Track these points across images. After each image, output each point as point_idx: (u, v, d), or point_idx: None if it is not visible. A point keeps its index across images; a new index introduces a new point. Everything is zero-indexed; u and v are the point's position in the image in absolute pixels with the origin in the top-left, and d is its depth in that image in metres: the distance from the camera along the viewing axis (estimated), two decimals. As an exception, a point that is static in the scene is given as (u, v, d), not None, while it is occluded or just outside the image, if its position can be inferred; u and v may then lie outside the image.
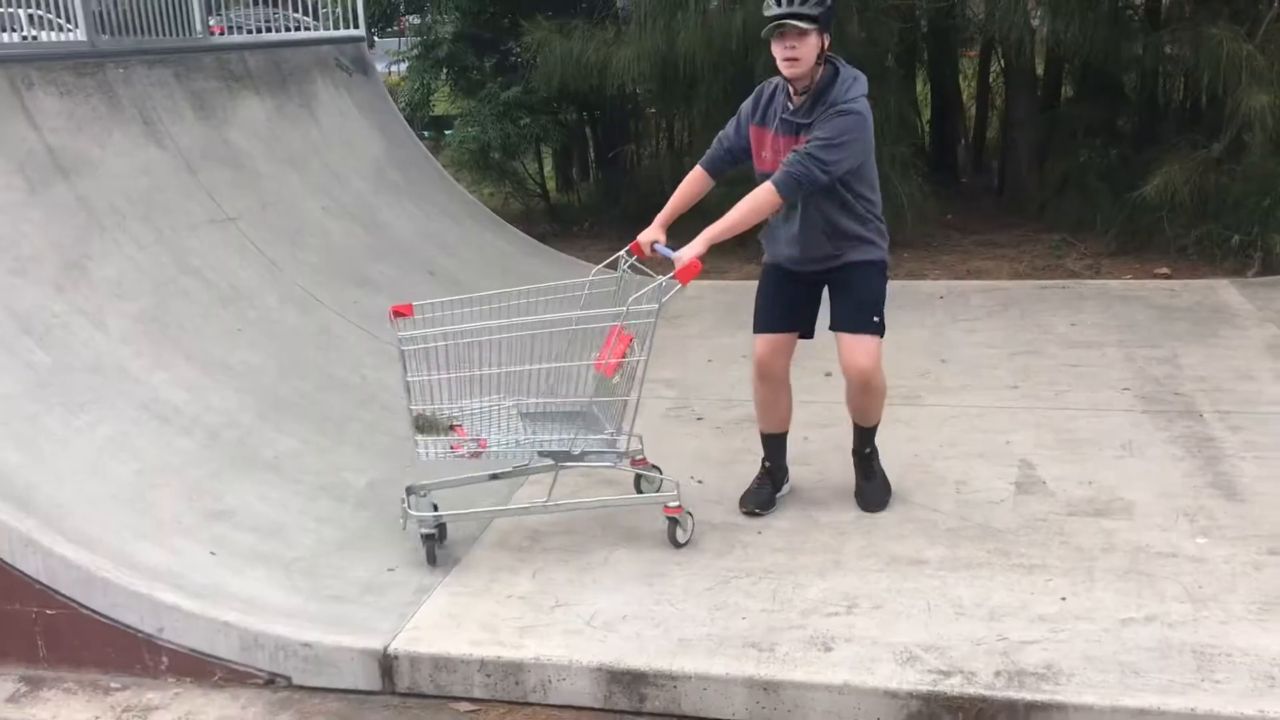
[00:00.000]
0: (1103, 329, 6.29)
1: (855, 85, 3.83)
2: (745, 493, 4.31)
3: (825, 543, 3.94)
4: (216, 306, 5.17)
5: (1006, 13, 7.72)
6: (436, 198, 7.71)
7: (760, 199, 3.84)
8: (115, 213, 5.11)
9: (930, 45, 10.04)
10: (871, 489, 4.28)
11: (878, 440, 4.32)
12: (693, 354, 6.24)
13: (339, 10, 7.92)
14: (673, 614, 3.47)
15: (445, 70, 9.94)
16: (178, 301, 5.01)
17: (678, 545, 3.94)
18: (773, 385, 4.24)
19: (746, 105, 4.08)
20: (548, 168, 11.36)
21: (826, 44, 3.81)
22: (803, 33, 3.71)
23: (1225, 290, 6.99)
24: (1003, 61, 9.84)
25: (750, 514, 4.21)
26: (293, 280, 5.74)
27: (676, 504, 3.95)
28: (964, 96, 10.90)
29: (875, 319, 4.04)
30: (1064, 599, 3.47)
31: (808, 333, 4.24)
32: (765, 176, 3.89)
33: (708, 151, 4.19)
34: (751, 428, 5.02)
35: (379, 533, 4.10)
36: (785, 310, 4.17)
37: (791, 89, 3.89)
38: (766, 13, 3.76)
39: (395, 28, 11.34)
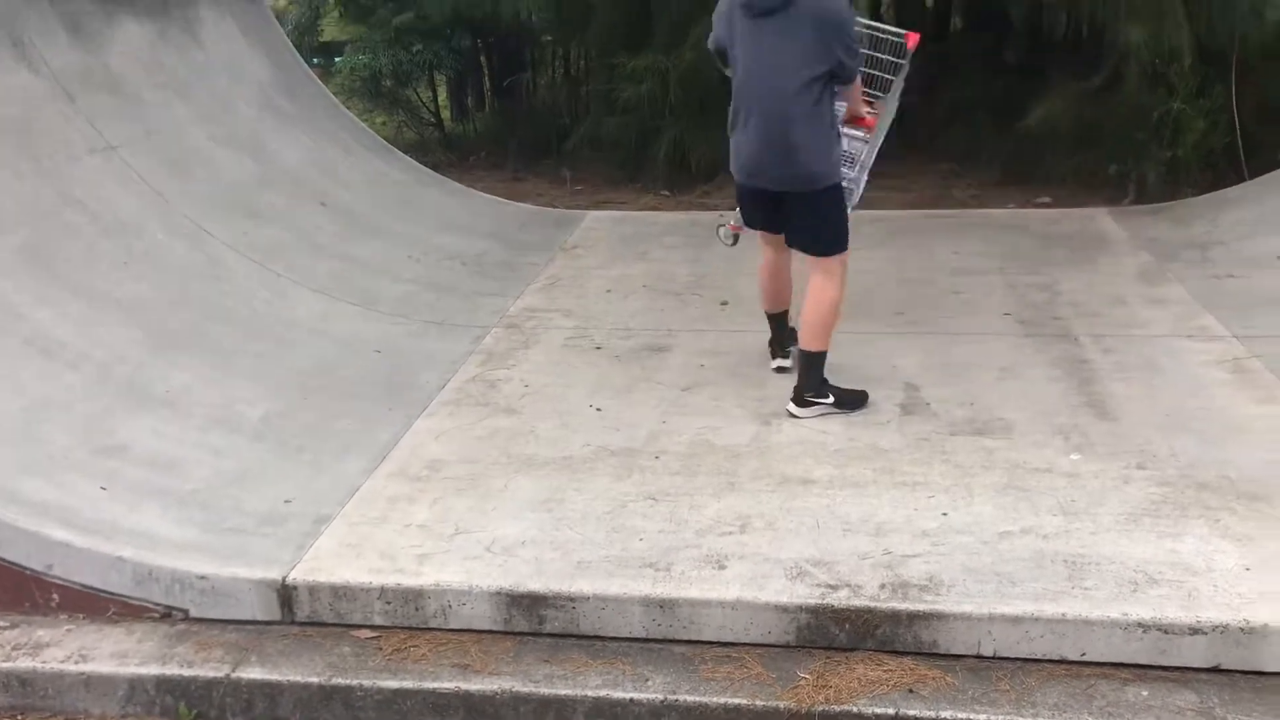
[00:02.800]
0: (986, 257, 6.49)
1: None
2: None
3: (720, 465, 4.04)
4: (101, 239, 5.02)
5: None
6: (327, 126, 7.54)
7: None
8: (-13, 141, 4.91)
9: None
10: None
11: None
12: (591, 284, 6.27)
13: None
14: (571, 538, 3.54)
15: (334, -6, 9.70)
16: (60, 234, 4.85)
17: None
18: None
19: None
20: (442, 96, 11.17)
21: None
22: None
23: (1102, 219, 7.25)
24: (895, -7, 9.95)
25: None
26: (180, 211, 5.59)
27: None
28: (857, 28, 10.97)
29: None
30: (945, 514, 3.63)
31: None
32: None
33: None
34: (650, 356, 5.13)
35: (275, 464, 4.08)
36: None
37: None
38: None
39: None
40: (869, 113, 4.67)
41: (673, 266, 6.49)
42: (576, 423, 4.41)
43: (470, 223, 7.31)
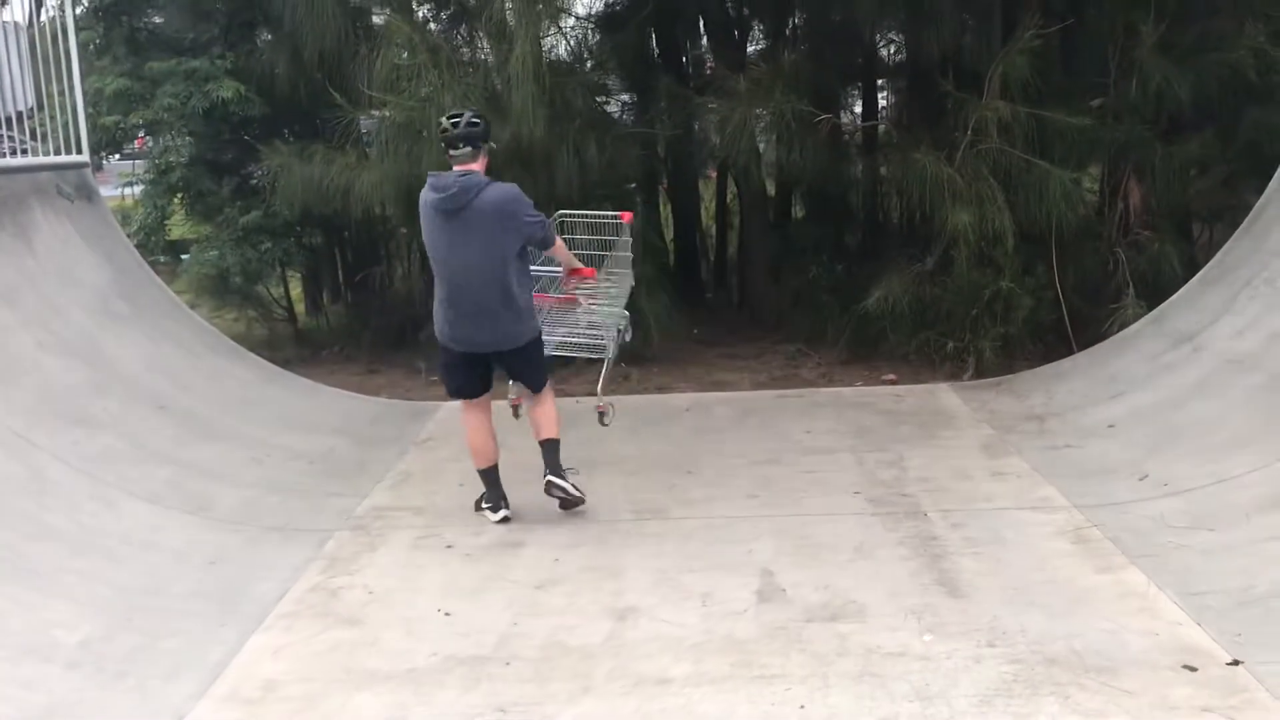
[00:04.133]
0: (836, 435, 6.61)
1: None
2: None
3: (574, 668, 3.89)
4: (-93, 456, 4.71)
5: (735, 140, 8.17)
6: (168, 327, 7.35)
7: None
8: None
9: (670, 169, 10.48)
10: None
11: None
12: (444, 479, 6.13)
13: (60, 135, 7.53)
14: (414, 759, 3.34)
15: (180, 195, 9.60)
16: None
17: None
18: None
19: None
20: (295, 291, 11.07)
21: None
22: None
23: (944, 394, 7.50)
24: (736, 184, 10.39)
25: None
26: (2, 422, 5.30)
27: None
28: (704, 217, 11.40)
29: None
30: (803, 707, 3.55)
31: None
32: None
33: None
34: (503, 552, 5.00)
35: (92, 696, 3.76)
36: None
37: None
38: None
39: (132, 147, 10.89)
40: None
41: (528, 456, 6.35)
42: (423, 630, 4.22)
43: (319, 420, 7.14)
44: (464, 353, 5.28)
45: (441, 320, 5.25)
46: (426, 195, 5.16)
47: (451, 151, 5.14)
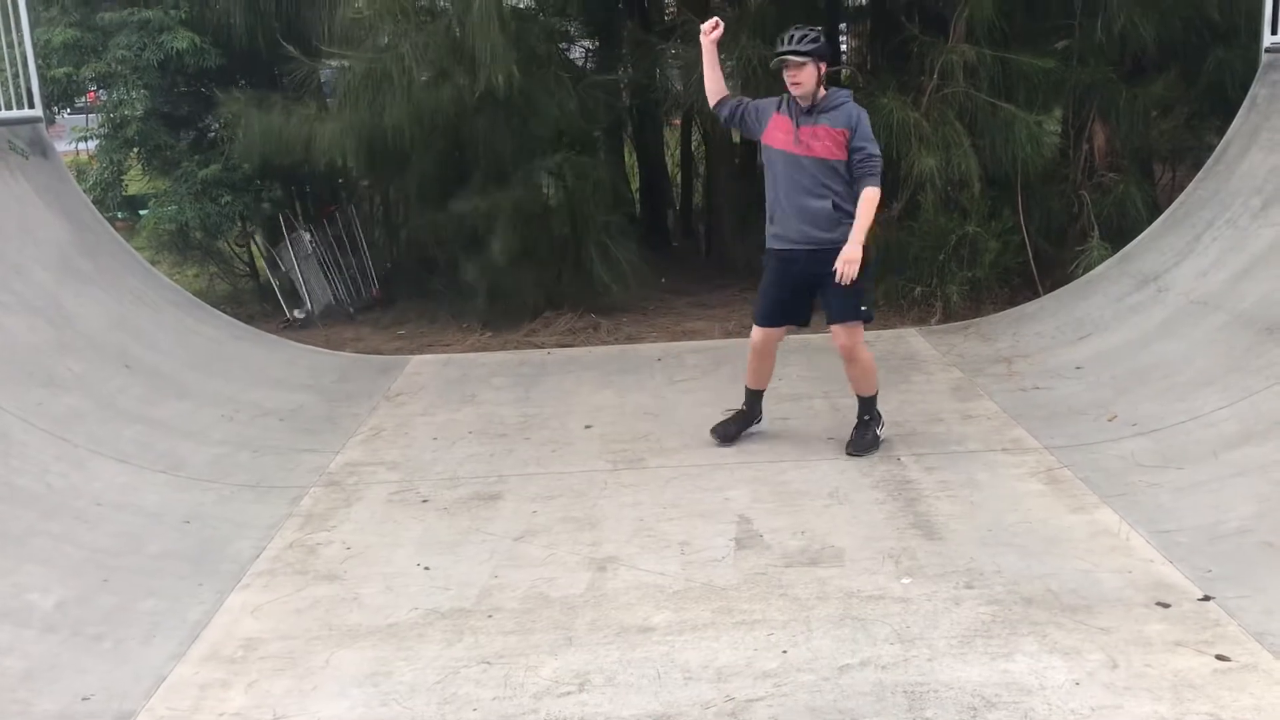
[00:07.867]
0: (808, 381, 6.63)
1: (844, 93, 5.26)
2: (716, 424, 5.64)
3: (556, 619, 3.91)
4: None
5: (700, 86, 8.07)
6: (131, 284, 7.22)
7: (875, 197, 5.13)
8: None
9: (635, 117, 10.38)
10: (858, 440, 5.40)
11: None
12: (416, 433, 6.10)
13: (10, 89, 7.33)
14: (400, 714, 3.34)
15: (136, 149, 9.39)
16: None
17: None
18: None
19: (773, 101, 5.29)
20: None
21: (823, 70, 5.10)
22: (800, 65, 5.01)
23: (913, 338, 7.54)
24: (702, 131, 10.31)
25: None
26: (-37, 384, 5.21)
27: None
28: (669, 166, 11.32)
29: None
30: (785, 652, 3.58)
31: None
32: (772, 149, 5.26)
33: (731, 95, 5.58)
34: (480, 505, 4.99)
35: (71, 658, 3.73)
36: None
37: (799, 101, 5.14)
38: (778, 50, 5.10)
39: (83, 101, 10.62)
40: None
41: (501, 408, 6.40)
42: (403, 585, 4.21)
43: (286, 376, 7.07)
44: None
45: None
46: None
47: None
